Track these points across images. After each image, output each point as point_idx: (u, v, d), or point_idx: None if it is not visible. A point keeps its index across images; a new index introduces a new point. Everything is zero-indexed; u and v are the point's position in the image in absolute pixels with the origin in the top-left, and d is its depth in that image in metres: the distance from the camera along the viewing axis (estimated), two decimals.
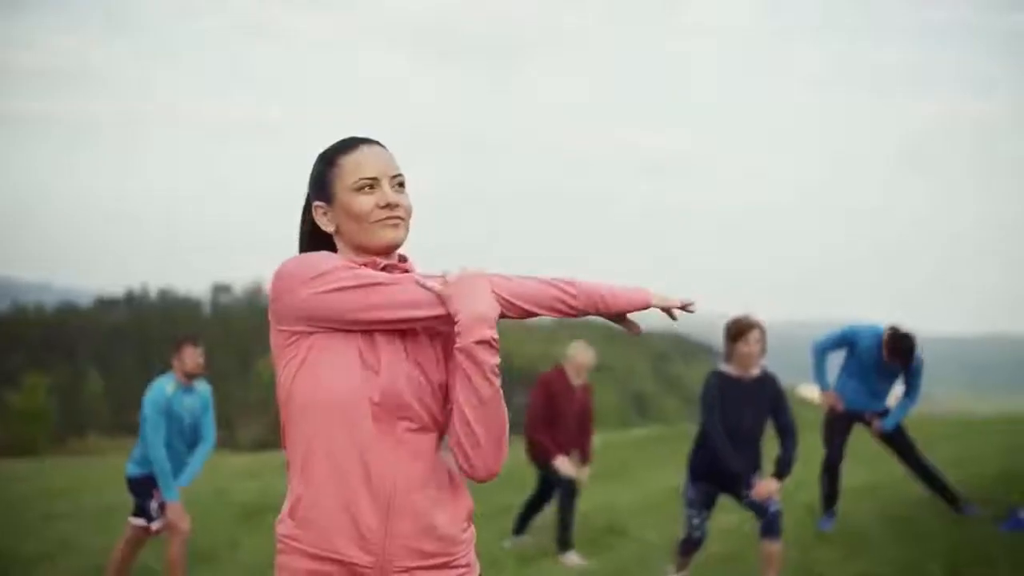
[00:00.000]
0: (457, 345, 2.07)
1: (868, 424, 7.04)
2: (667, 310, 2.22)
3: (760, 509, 5.34)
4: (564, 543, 7.28)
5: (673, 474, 11.95)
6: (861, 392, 6.98)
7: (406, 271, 2.21)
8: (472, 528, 2.23)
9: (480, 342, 2.05)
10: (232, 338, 65.88)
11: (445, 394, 2.16)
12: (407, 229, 2.19)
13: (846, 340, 7.05)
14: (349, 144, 2.21)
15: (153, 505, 6.20)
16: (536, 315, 2.16)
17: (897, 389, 7.06)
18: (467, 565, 2.18)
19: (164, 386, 6.19)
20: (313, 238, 2.26)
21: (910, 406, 7.02)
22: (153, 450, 6.07)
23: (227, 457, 19.68)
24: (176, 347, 6.28)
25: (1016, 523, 6.35)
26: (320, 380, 2.08)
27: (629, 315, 2.23)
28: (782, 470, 5.39)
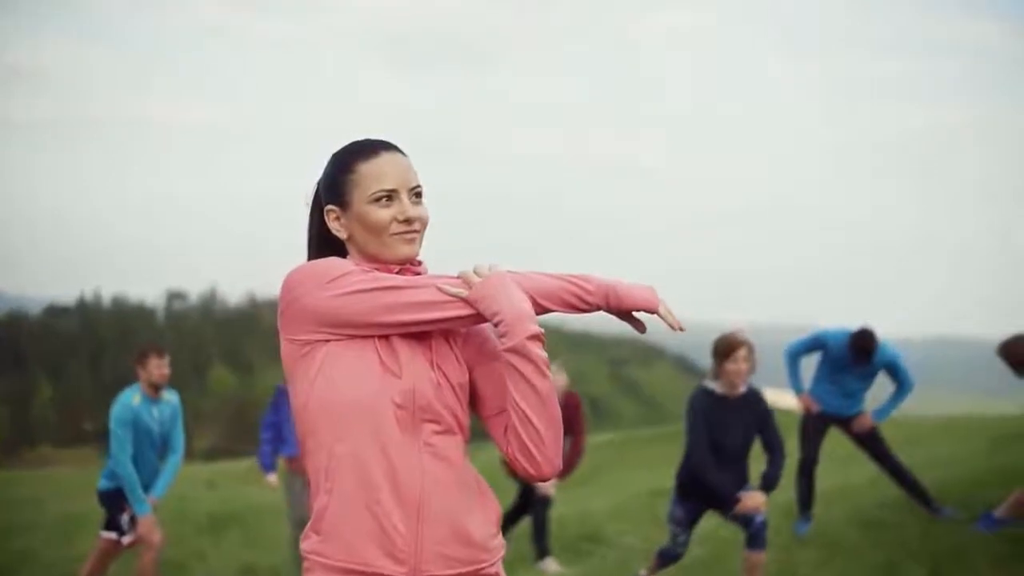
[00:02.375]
0: (506, 346, 2.01)
1: (845, 426, 7.06)
2: (665, 319, 2.19)
3: (746, 521, 5.30)
4: (541, 550, 7.25)
5: (643, 478, 11.99)
6: (835, 394, 7.00)
7: (418, 274, 2.14)
8: (501, 536, 2.16)
9: (531, 338, 2.00)
10: (186, 346, 65.19)
11: (466, 396, 2.12)
12: (421, 241, 2.14)
13: (818, 344, 7.07)
14: (368, 149, 2.14)
15: (124, 518, 6.09)
16: (551, 311, 2.12)
17: (878, 392, 7.09)
18: (496, 575, 2.12)
19: (130, 399, 6.06)
20: (321, 241, 2.20)
21: (901, 400, 7.04)
22: (120, 465, 5.94)
23: (183, 467, 19.39)
24: (140, 357, 6.13)
25: (988, 522, 6.39)
26: (340, 386, 2.01)
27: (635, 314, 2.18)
28: (768, 484, 5.34)
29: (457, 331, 2.14)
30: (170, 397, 6.27)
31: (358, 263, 2.10)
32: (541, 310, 2.09)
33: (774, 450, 5.42)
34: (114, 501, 6.14)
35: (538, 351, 2.01)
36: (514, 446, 2.06)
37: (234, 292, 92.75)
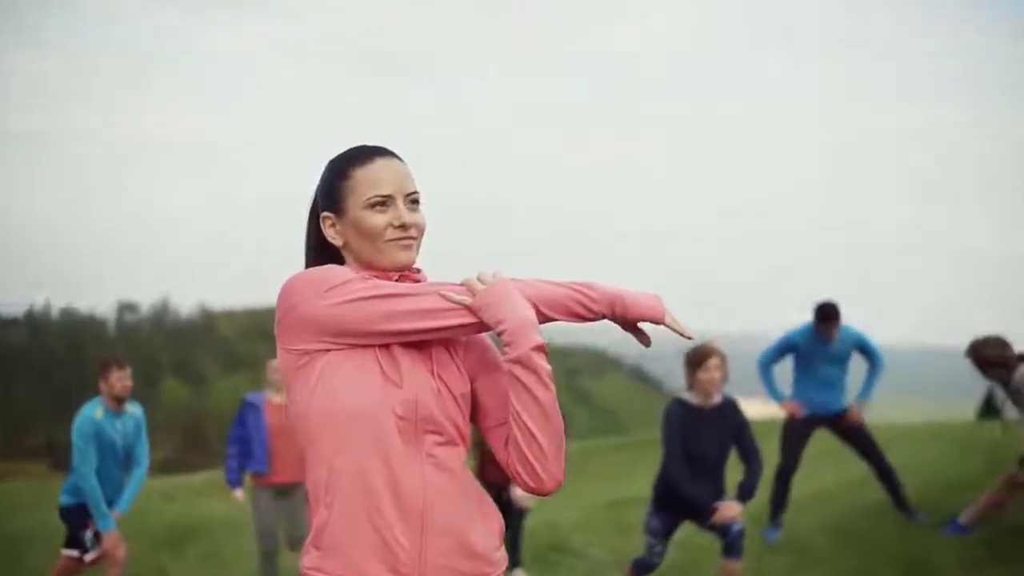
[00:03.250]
0: (510, 356, 1.96)
1: (833, 425, 7.10)
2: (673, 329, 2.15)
3: (723, 530, 5.28)
4: (514, 561, 7.20)
5: (603, 489, 11.99)
6: (816, 388, 7.06)
7: (418, 282, 2.10)
8: (503, 549, 2.11)
9: (535, 348, 1.95)
10: (138, 358, 64.26)
11: (468, 406, 2.07)
12: (418, 249, 2.10)
13: (787, 346, 7.12)
14: (364, 155, 2.09)
15: (88, 535, 5.95)
16: (555, 320, 2.07)
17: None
18: None
19: (92, 412, 5.92)
20: (318, 249, 2.15)
21: (877, 376, 7.12)
22: (84, 479, 5.81)
23: None
24: (102, 370, 6.00)
25: (955, 528, 6.45)
26: (340, 397, 1.95)
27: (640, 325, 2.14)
28: (745, 494, 5.32)
29: (458, 340, 2.09)
30: (133, 409, 6.15)
31: (355, 271, 2.05)
32: (545, 319, 2.04)
33: (750, 460, 5.41)
34: (76, 517, 5.99)
35: (542, 362, 1.96)
36: (515, 459, 2.01)
37: (186, 303, 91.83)
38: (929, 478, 8.07)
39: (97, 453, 5.88)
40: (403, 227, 2.04)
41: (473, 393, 2.10)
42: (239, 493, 6.85)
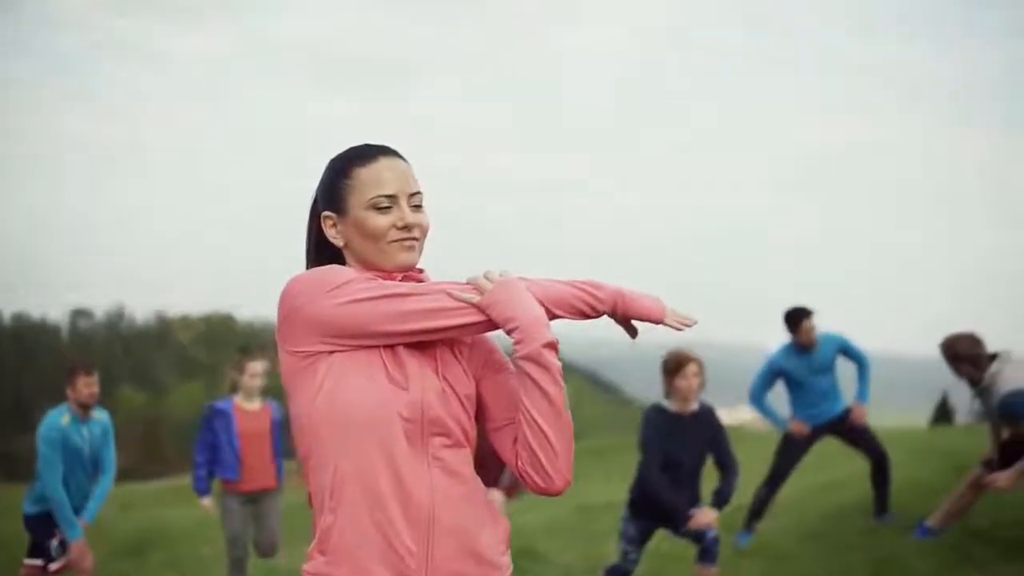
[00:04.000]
0: (521, 353, 1.94)
1: (838, 428, 7.15)
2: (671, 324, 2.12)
3: (697, 536, 5.29)
4: None
5: (568, 493, 12.00)
6: (814, 402, 7.10)
7: (421, 282, 2.07)
8: (509, 554, 2.08)
9: (547, 345, 1.93)
10: (93, 365, 63.31)
11: (473, 407, 2.05)
12: (420, 250, 2.06)
13: (772, 372, 7.17)
14: (366, 154, 2.06)
15: (53, 544, 5.84)
16: (560, 318, 2.05)
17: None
18: None
19: (58, 418, 5.82)
20: (320, 250, 2.12)
21: (867, 375, 7.16)
22: (50, 487, 5.71)
23: None
24: (69, 376, 5.89)
25: (923, 531, 6.51)
26: (345, 399, 1.92)
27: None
28: (720, 501, 5.32)
29: (463, 341, 2.07)
30: (100, 416, 6.04)
31: (358, 271, 2.02)
32: (552, 317, 2.02)
33: (727, 467, 5.41)
34: (42, 526, 5.88)
35: (552, 359, 1.94)
36: (524, 459, 1.99)
37: (141, 309, 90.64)
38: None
39: (63, 460, 5.79)
40: (406, 228, 2.02)
41: (479, 394, 2.07)
42: (207, 501, 6.73)
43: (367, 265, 2.05)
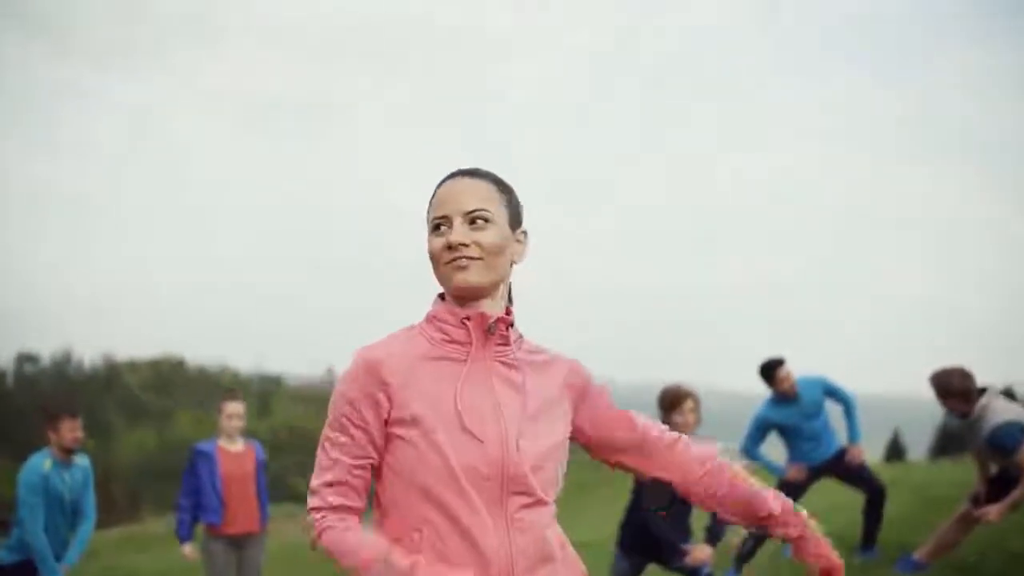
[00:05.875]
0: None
1: (835, 469, 7.18)
2: None
3: (691, 572, 5.27)
4: None
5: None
6: (810, 449, 7.17)
7: (505, 338, 1.97)
8: None
9: None
10: (39, 410, 62.03)
11: (563, 457, 1.98)
12: (486, 269, 1.92)
13: (761, 426, 7.24)
14: (446, 178, 2.00)
15: None
16: None
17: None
18: None
19: (40, 464, 5.69)
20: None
21: (855, 413, 7.21)
22: (32, 535, 5.57)
23: None
24: (51, 420, 5.77)
25: (907, 564, 6.53)
26: (420, 456, 1.86)
27: None
28: (715, 537, 5.33)
29: (557, 389, 2.01)
30: (81, 461, 5.92)
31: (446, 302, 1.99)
32: None
33: None
34: (20, 574, 5.73)
35: None
36: None
37: (89, 353, 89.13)
38: (850, 518, 8.22)
39: (44, 506, 5.65)
40: (450, 247, 1.91)
41: (595, 431, 2.07)
42: (188, 548, 6.57)
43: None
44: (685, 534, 5.38)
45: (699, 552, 5.24)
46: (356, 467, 1.88)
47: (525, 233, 2.03)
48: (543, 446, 1.92)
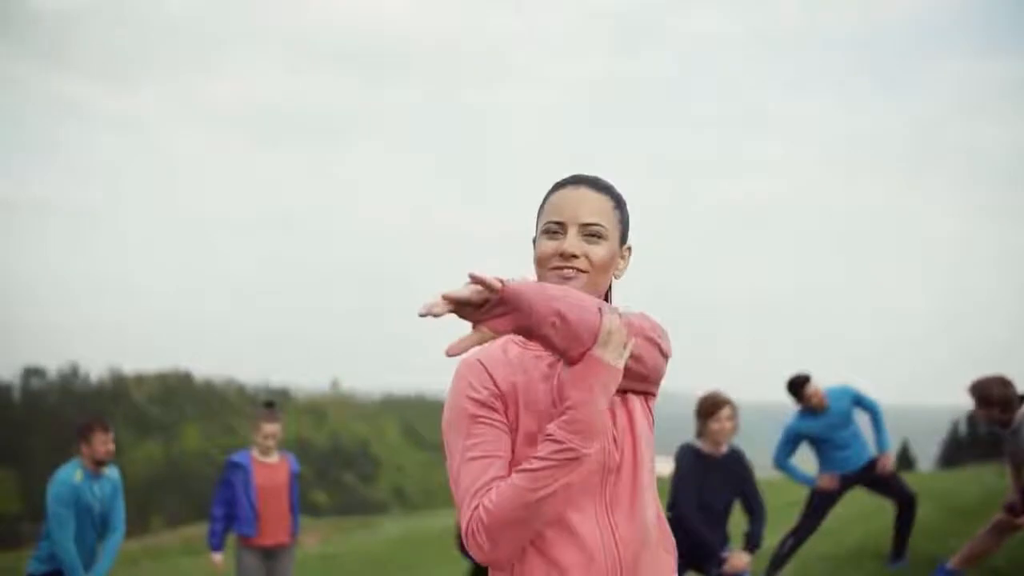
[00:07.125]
0: None
1: (865, 478, 7.18)
2: None
3: None
4: None
5: None
6: (840, 458, 7.16)
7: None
8: None
9: None
10: (45, 424, 62.26)
11: (650, 445, 1.98)
12: (590, 283, 1.92)
13: (792, 437, 7.23)
14: (562, 182, 2.00)
15: None
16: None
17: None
18: None
19: (70, 476, 5.67)
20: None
21: (881, 421, 7.22)
22: (61, 548, 5.55)
23: None
24: (84, 432, 5.75)
25: (943, 573, 6.48)
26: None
27: None
28: (753, 544, 5.36)
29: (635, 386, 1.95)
30: (111, 473, 5.90)
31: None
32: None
33: (755, 510, 5.45)
34: None
35: None
36: None
37: (96, 368, 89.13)
38: (876, 526, 8.20)
39: (74, 518, 5.63)
40: (563, 255, 1.91)
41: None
42: (218, 557, 6.56)
43: None
44: (723, 540, 5.37)
45: (737, 559, 5.23)
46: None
47: (630, 249, 2.04)
48: (638, 432, 1.94)
